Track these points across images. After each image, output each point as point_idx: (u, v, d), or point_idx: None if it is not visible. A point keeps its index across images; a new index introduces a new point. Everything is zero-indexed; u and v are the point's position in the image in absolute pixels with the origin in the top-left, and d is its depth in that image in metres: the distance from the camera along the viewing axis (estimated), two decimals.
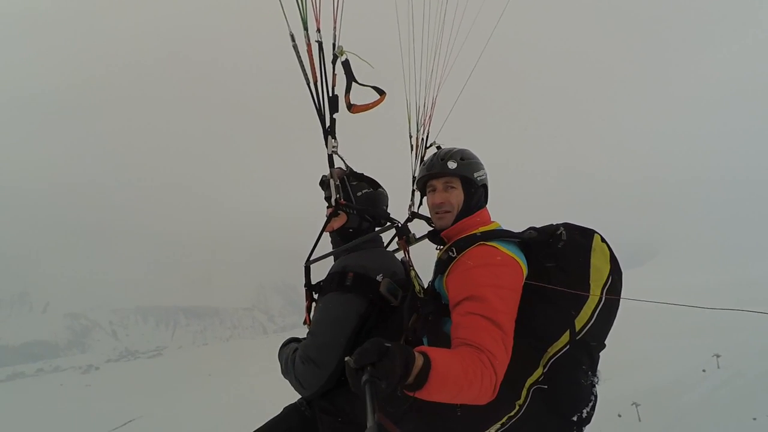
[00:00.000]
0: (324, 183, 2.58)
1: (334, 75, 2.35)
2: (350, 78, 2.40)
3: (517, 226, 2.17)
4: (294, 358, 2.25)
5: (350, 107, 2.41)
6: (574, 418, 1.82)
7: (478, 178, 2.19)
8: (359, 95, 2.44)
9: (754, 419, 6.25)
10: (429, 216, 2.39)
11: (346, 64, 2.38)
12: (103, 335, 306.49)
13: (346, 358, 1.37)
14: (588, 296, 1.86)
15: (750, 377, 8.76)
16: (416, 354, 1.43)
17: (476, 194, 2.20)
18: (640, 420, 8.21)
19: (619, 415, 8.12)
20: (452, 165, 2.16)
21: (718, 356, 10.81)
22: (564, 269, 1.90)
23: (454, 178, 2.17)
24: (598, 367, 1.96)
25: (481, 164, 2.24)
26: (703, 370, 10.53)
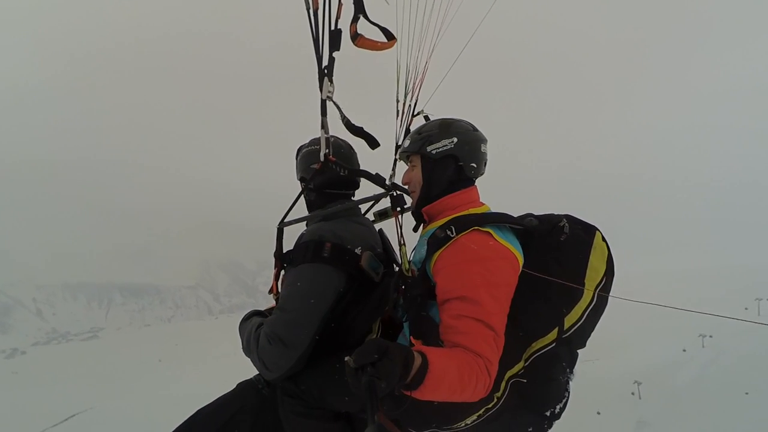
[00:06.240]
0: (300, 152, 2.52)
1: (339, 4, 2.14)
2: (359, 9, 2.19)
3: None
4: (258, 335, 2.06)
5: (355, 38, 2.18)
6: (547, 413, 1.91)
7: (433, 152, 2.10)
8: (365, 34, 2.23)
9: (747, 394, 6.62)
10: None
11: None
12: (26, 314, 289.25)
13: (346, 358, 1.36)
14: (581, 295, 1.88)
15: (734, 356, 9.21)
16: (415, 354, 1.48)
17: (436, 169, 2.12)
18: (640, 398, 8.47)
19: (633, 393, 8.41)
20: (407, 142, 2.22)
21: (703, 336, 11.38)
22: (561, 263, 1.90)
23: (413, 155, 2.19)
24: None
25: (446, 133, 2.11)
26: (684, 350, 10.97)
